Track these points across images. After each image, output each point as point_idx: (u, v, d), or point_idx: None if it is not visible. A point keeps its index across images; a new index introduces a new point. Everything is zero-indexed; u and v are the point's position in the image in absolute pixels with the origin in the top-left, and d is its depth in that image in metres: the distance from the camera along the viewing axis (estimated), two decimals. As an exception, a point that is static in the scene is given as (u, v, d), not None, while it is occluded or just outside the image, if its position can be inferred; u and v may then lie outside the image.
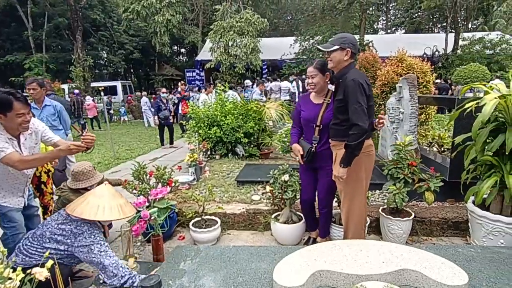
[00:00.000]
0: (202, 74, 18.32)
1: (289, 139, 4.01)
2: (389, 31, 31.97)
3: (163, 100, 7.81)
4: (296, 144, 2.62)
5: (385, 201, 3.36)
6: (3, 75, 23.87)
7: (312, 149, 2.53)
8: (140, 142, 9.36)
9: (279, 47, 16.80)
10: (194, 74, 18.59)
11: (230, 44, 11.62)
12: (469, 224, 2.66)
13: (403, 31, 31.29)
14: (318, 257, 2.00)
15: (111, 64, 27.87)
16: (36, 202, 2.98)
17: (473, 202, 2.60)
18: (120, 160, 6.95)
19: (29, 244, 2.09)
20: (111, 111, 14.12)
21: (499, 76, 11.47)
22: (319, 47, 2.32)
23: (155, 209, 2.58)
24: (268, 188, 2.99)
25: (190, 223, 3.07)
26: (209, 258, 2.33)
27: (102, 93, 7.81)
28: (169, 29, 13.43)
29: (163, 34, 13.19)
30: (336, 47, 2.21)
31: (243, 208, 3.43)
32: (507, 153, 2.23)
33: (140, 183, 3.09)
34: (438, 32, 27.64)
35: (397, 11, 32.52)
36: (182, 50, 33.39)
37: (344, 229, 2.46)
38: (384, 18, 33.05)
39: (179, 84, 8.73)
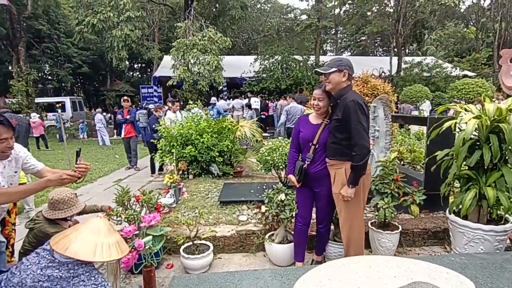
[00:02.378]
0: (160, 90, 17.82)
1: (272, 158, 4.06)
2: (337, 53, 34.40)
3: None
4: (291, 175, 2.66)
5: (371, 215, 3.52)
6: None
7: (304, 166, 2.56)
8: (97, 163, 8.70)
9: (238, 65, 17.08)
10: (151, 90, 18.01)
11: (193, 62, 11.52)
12: (450, 233, 2.88)
13: (349, 53, 33.94)
14: (331, 277, 2.00)
15: (56, 78, 25.89)
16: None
17: (454, 213, 2.83)
18: (80, 183, 6.37)
19: None
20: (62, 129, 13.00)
21: (432, 98, 13.06)
22: (318, 70, 2.41)
23: (150, 237, 2.39)
24: (263, 208, 2.95)
25: (181, 249, 2.90)
26: (214, 286, 2.21)
27: (59, 110, 7.18)
28: (128, 44, 12.95)
29: (121, 49, 12.64)
30: (334, 69, 2.31)
31: (232, 230, 3.33)
32: (485, 167, 2.48)
33: (124, 209, 2.85)
34: (381, 55, 30.45)
35: (343, 35, 35.23)
36: (136, 65, 32.33)
37: (346, 246, 2.51)
38: (332, 41, 35.57)
39: (122, 100, 7.62)
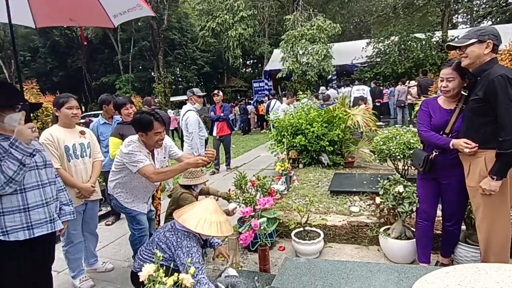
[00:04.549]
0: (270, 83, 18.62)
1: (388, 147, 3.75)
2: (472, 24, 28.59)
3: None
4: (455, 140, 2.11)
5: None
6: (98, 95, 27.62)
7: (431, 157, 2.27)
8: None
9: (349, 52, 16.22)
10: (262, 84, 18.99)
11: (301, 53, 11.58)
12: None
13: (490, 22, 27.65)
14: (461, 282, 1.75)
15: (185, 79, 30.18)
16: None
17: None
18: (208, 168, 7.18)
19: (143, 249, 2.25)
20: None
21: None
22: (451, 43, 2.09)
23: (264, 219, 2.58)
24: (378, 200, 2.78)
25: (292, 234, 3.02)
26: (325, 272, 2.23)
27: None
28: (241, 42, 14.02)
29: (235, 48, 13.82)
30: (474, 40, 1.95)
31: (343, 220, 3.27)
32: None
33: (242, 192, 3.15)
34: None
35: (481, 0, 28.93)
36: (248, 62, 34.63)
37: (483, 251, 2.13)
38: (466, 10, 29.67)
39: (212, 94, 6.69)
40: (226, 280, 2.28)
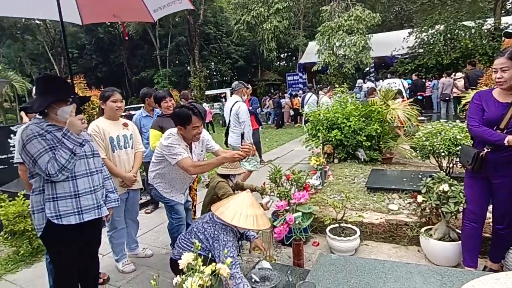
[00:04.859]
0: (304, 77, 18.32)
1: (431, 143, 3.54)
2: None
3: None
4: (511, 136, 1.96)
5: None
6: (137, 89, 28.94)
7: (482, 154, 2.10)
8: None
9: (388, 42, 15.42)
10: (297, 77, 18.74)
11: (338, 45, 11.22)
12: None
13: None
14: (515, 289, 1.62)
15: (219, 73, 30.64)
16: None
17: None
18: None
19: (182, 238, 2.32)
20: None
21: None
22: (509, 31, 1.90)
23: (299, 213, 2.56)
24: (420, 198, 2.64)
25: (327, 230, 2.97)
26: (361, 271, 2.17)
27: (223, 100, 8.50)
28: (276, 35, 13.90)
29: (270, 41, 13.75)
30: None
31: (381, 218, 3.15)
32: None
33: (276, 186, 3.15)
34: None
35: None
36: (282, 55, 34.30)
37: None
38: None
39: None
40: (260, 272, 2.30)
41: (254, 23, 13.71)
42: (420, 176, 3.66)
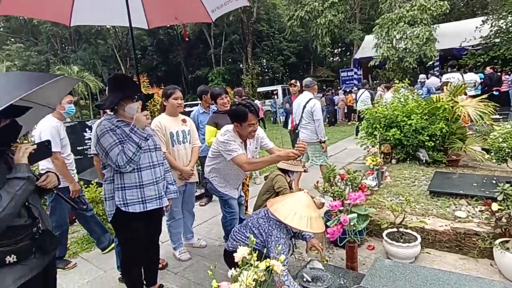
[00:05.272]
0: (360, 72, 17.49)
1: (509, 145, 3.15)
2: None
3: None
4: None
5: None
6: (193, 87, 30.35)
7: None
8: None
9: (457, 33, 13.96)
10: (351, 73, 17.97)
11: (398, 37, 10.47)
12: None
13: None
14: None
15: (271, 70, 30.73)
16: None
17: None
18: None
19: (237, 231, 2.37)
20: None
21: None
22: None
23: (355, 214, 2.46)
24: (495, 206, 2.37)
25: (384, 234, 2.81)
26: (423, 280, 2.02)
27: (275, 97, 8.54)
28: (330, 30, 13.47)
29: (324, 36, 13.37)
30: None
31: (445, 225, 2.88)
32: None
33: (330, 185, 3.06)
34: None
35: None
36: (336, 50, 33.20)
37: None
38: None
39: (289, 84, 6.05)
40: (311, 272, 2.27)
41: (307, 18, 13.43)
42: (494, 182, 3.29)
